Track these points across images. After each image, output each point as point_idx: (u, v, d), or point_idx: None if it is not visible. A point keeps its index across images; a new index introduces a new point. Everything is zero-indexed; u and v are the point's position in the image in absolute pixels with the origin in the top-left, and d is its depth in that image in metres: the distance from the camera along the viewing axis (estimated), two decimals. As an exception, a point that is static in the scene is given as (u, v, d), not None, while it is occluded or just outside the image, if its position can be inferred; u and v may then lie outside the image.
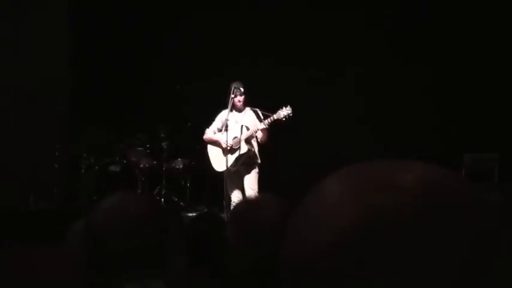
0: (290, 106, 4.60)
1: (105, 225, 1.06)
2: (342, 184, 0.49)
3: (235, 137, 4.80)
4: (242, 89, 4.79)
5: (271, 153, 4.95)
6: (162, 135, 6.37)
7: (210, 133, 4.94)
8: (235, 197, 4.79)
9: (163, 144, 6.36)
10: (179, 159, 6.45)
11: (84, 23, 6.58)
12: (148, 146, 6.48)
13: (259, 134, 4.71)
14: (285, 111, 4.59)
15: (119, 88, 6.77)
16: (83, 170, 6.19)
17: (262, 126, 4.65)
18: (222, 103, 4.90)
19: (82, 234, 1.11)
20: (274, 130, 4.74)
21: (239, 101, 4.84)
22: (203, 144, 5.01)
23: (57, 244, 1.42)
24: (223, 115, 4.91)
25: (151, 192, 6.28)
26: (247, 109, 4.90)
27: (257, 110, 4.86)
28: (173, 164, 6.44)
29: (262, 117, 4.76)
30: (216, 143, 4.89)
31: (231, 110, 4.86)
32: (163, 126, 6.34)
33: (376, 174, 0.48)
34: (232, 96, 4.76)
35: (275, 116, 4.58)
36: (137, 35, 6.72)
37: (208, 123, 5.10)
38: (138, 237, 1.05)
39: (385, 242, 0.44)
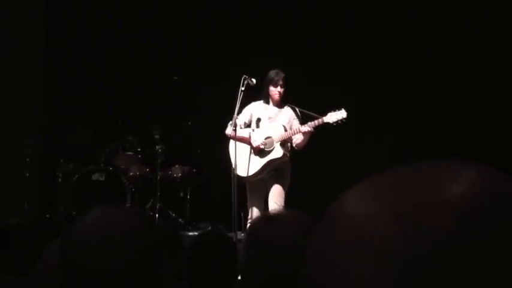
0: (344, 109, 4.56)
1: (86, 247, 1.04)
2: (374, 199, 0.47)
3: (269, 137, 4.76)
4: (282, 79, 4.75)
5: (300, 160, 4.98)
6: (157, 136, 6.41)
7: (238, 129, 4.88)
8: (255, 212, 4.77)
9: (157, 147, 6.40)
10: (177, 166, 6.50)
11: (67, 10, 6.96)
12: (139, 149, 6.56)
13: (298, 138, 4.69)
14: (338, 115, 4.51)
15: (104, 83, 6.90)
16: (59, 179, 6.23)
17: (306, 128, 4.59)
18: (230, 98, 4.90)
19: (58, 258, 1.08)
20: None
21: (279, 93, 4.80)
22: (227, 138, 4.90)
23: (28, 269, 1.41)
24: (253, 107, 4.90)
25: (143, 206, 6.37)
26: (284, 105, 4.89)
27: (296, 108, 4.85)
28: (170, 172, 6.48)
29: (301, 117, 4.77)
30: (242, 141, 4.84)
31: (266, 102, 4.86)
32: (157, 126, 6.39)
33: (418, 186, 0.46)
34: (271, 86, 4.76)
35: (325, 119, 4.54)
36: (128, 26, 6.90)
37: (213, 122, 5.14)
38: (126, 261, 1.03)
39: (441, 274, 0.43)
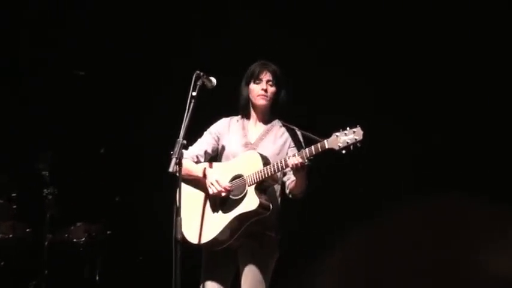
0: (360, 126, 4.34)
1: None
2: None
3: (238, 176, 4.69)
4: (271, 73, 4.77)
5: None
6: (45, 173, 6.43)
7: (188, 161, 4.80)
8: None
9: (46, 191, 6.41)
10: (79, 224, 6.54)
11: None
12: (14, 195, 6.58)
13: (291, 179, 4.68)
14: (349, 136, 4.43)
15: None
16: None
17: (294, 160, 4.51)
18: (176, 108, 4.59)
19: None
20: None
21: (264, 95, 4.78)
22: (171, 179, 4.51)
23: None
24: (223, 126, 4.91)
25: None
26: (276, 123, 4.90)
27: (296, 129, 4.79)
28: (67, 234, 6.52)
29: (303, 144, 4.73)
30: (197, 183, 4.77)
31: (245, 117, 4.89)
32: (46, 155, 6.42)
33: None
34: (252, 83, 4.78)
35: (327, 144, 4.44)
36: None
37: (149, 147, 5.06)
38: None
39: None
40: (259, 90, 4.74)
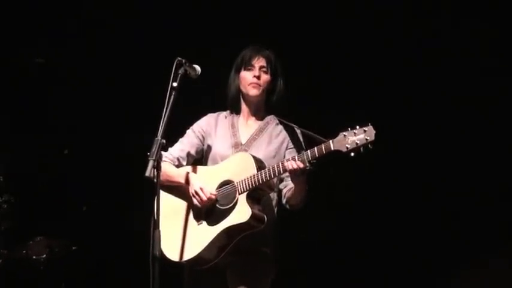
0: (371, 125, 4.27)
1: None
2: None
3: (227, 182, 4.57)
4: (266, 58, 4.72)
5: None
6: None
7: (168, 164, 4.73)
8: None
9: (0, 199, 6.35)
10: (39, 238, 6.40)
11: None
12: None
13: (288, 187, 4.58)
14: (359, 137, 4.28)
15: None
16: None
17: (292, 164, 4.39)
18: (154, 103, 4.41)
19: None
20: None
21: (256, 83, 4.67)
22: (151, 180, 4.35)
23: None
24: (209, 123, 4.86)
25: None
26: (272, 120, 4.83)
27: (295, 127, 4.74)
28: (25, 251, 6.37)
29: (304, 145, 4.64)
30: (178, 190, 4.66)
31: (234, 113, 4.84)
32: None
33: None
34: (244, 70, 4.72)
35: (333, 145, 4.31)
36: None
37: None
38: None
39: None
40: (251, 78, 4.67)
